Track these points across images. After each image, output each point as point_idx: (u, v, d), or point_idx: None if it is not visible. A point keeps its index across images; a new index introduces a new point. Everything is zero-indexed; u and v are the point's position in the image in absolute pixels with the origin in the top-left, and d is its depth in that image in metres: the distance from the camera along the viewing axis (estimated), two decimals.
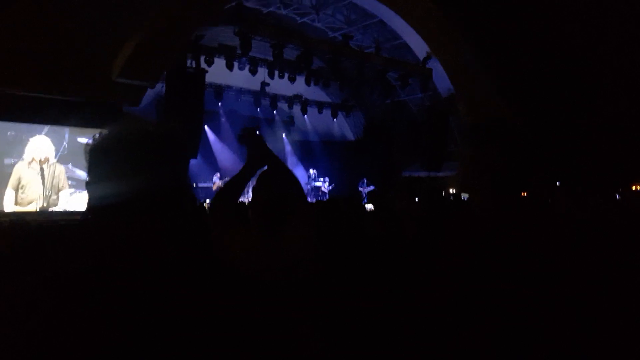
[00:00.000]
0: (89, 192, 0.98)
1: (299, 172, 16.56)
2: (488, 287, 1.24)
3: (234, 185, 2.22)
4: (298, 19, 15.44)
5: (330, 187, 17.20)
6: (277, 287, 1.59)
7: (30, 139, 10.60)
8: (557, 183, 11.66)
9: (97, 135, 1.00)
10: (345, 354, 1.59)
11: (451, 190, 14.79)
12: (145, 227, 0.96)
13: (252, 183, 2.24)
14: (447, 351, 1.24)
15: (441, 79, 15.85)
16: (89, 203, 0.98)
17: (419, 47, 15.46)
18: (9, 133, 10.38)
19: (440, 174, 16.21)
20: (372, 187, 16.77)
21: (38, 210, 10.44)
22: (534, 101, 14.42)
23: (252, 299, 1.02)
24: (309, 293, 1.68)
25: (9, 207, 10.14)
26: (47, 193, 10.65)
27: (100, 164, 0.98)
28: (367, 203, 13.01)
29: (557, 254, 1.32)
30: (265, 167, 2.25)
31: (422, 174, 16.97)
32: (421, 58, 15.75)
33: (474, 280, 1.27)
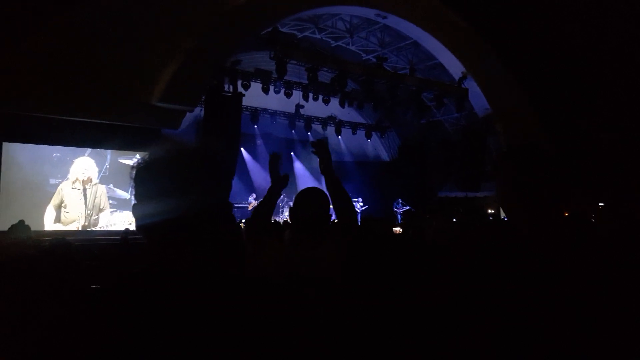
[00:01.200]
0: (134, 213, 1.01)
1: None
2: (489, 288, 1.23)
3: (266, 205, 2.41)
4: (332, 42, 15.67)
5: (364, 207, 17.11)
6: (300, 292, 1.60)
7: (75, 160, 11.04)
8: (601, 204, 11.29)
9: (141, 158, 1.03)
10: (347, 353, 1.57)
11: (489, 211, 14.47)
12: (190, 244, 0.99)
13: (289, 204, 2.35)
14: (447, 350, 1.23)
15: (477, 99, 15.68)
16: (136, 223, 1.01)
17: (454, 67, 15.38)
18: (54, 155, 10.85)
19: (479, 194, 15.90)
20: (407, 208, 16.59)
21: (79, 229, 10.79)
22: (551, 94, 14.17)
23: (271, 301, 1.03)
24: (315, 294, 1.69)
25: (51, 225, 10.53)
26: (88, 212, 11.01)
27: (145, 184, 1.01)
28: (402, 223, 12.85)
29: (560, 255, 1.30)
30: (302, 188, 2.36)
31: (459, 194, 16.69)
32: (456, 78, 15.65)
33: (476, 280, 1.26)
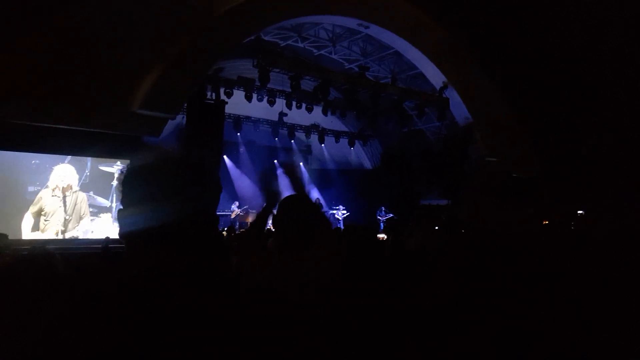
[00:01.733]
0: (119, 219, 1.01)
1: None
2: (488, 288, 1.26)
3: (260, 220, 2.45)
4: (315, 51, 15.75)
5: (346, 214, 17.14)
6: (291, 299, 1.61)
7: (54, 168, 10.84)
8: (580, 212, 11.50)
9: (129, 165, 1.03)
10: (346, 353, 1.58)
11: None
12: (174, 254, 0.99)
13: (272, 211, 2.36)
14: (447, 350, 1.24)
15: (458, 108, 15.88)
16: (120, 229, 1.01)
17: (435, 76, 15.58)
18: (33, 162, 10.66)
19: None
20: (390, 215, 16.68)
21: (59, 237, 10.59)
22: (535, 102, 14.40)
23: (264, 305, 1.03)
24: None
25: (29, 234, 10.31)
26: (68, 220, 10.82)
27: (133, 191, 1.01)
28: (384, 231, 12.91)
29: (558, 258, 1.34)
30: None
31: (442, 202, 16.84)
32: (437, 87, 15.85)
33: (475, 281, 1.29)
